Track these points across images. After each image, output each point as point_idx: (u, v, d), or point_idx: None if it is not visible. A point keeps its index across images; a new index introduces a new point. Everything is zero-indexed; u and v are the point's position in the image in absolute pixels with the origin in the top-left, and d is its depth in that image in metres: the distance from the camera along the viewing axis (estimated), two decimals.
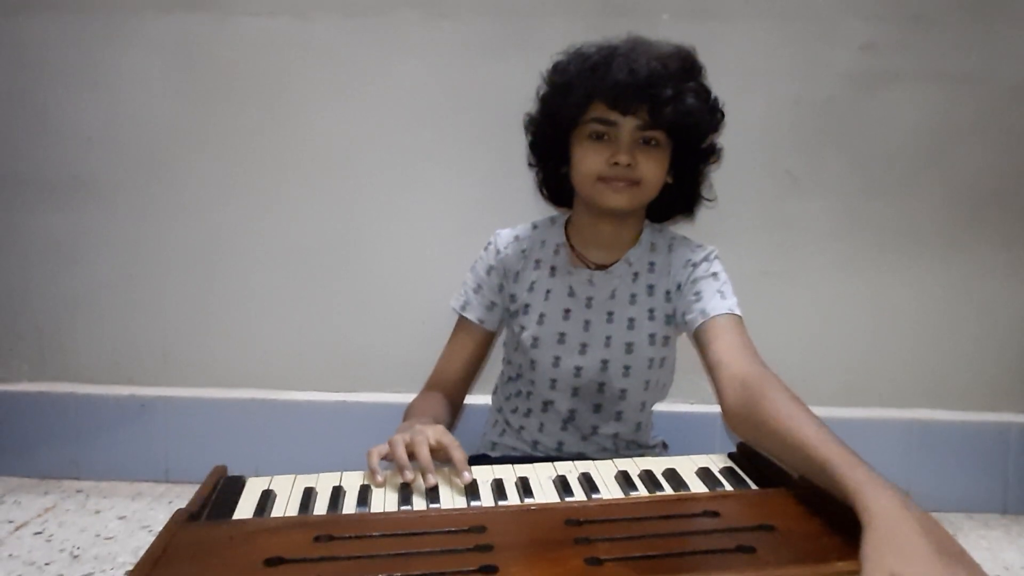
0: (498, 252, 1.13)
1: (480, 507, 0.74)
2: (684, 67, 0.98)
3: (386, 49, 1.41)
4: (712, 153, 1.08)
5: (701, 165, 1.08)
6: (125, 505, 1.41)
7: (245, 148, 1.45)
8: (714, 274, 1.06)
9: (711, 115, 1.02)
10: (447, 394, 1.13)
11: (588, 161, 1.00)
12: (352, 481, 0.81)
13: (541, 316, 1.10)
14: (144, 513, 1.38)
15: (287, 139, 1.45)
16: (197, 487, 0.79)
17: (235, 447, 1.49)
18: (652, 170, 1.00)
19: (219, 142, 1.46)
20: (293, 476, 0.82)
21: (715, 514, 0.70)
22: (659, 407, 1.19)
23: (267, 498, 0.76)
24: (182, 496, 1.43)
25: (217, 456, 1.47)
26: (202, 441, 1.50)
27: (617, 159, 0.98)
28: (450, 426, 1.10)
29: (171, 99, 1.45)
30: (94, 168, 1.47)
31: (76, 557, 1.21)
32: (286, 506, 0.75)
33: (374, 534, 0.66)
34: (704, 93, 1.01)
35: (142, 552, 1.29)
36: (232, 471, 0.89)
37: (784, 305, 1.44)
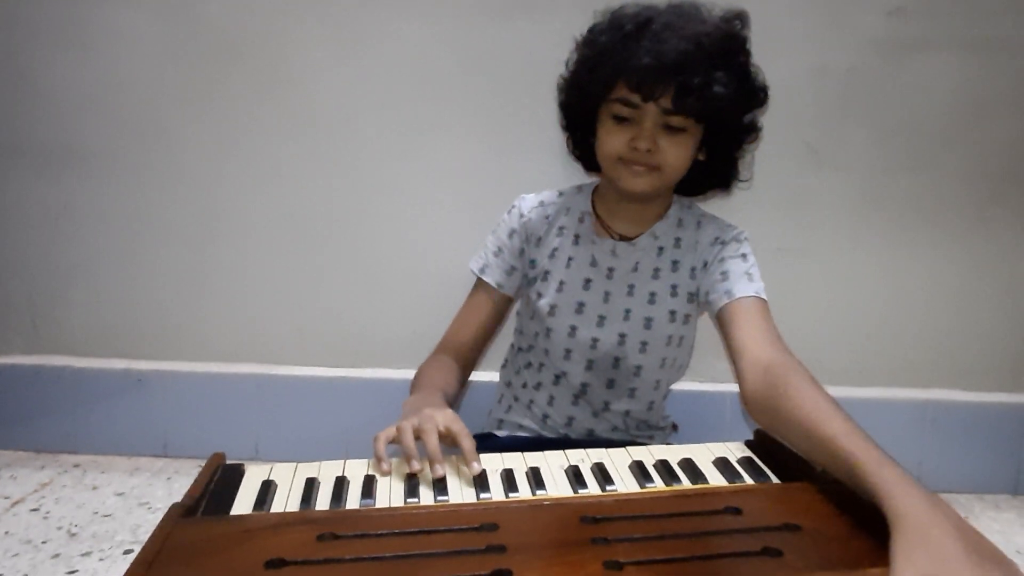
0: (521, 216, 1.10)
1: (490, 501, 0.71)
2: (721, 47, 0.90)
3: (391, 10, 1.34)
4: (748, 133, 1.02)
5: (734, 145, 1.02)
6: (123, 481, 1.38)
7: (244, 115, 1.39)
8: (743, 255, 1.02)
9: (746, 99, 0.96)
10: (458, 358, 1.10)
11: (610, 142, 0.96)
12: (356, 471, 0.77)
13: (561, 284, 1.07)
14: (143, 489, 1.35)
15: (287, 105, 1.39)
16: (196, 462, 0.76)
17: (234, 423, 1.46)
18: (675, 156, 0.95)
19: (217, 108, 1.39)
20: (294, 465, 0.78)
21: (737, 511, 0.67)
22: (670, 386, 1.16)
23: (267, 489, 0.72)
24: (181, 472, 1.40)
25: (216, 431, 1.47)
26: (201, 416, 1.47)
27: (637, 144, 0.93)
28: (459, 394, 1.07)
29: (167, 62, 1.38)
30: (87, 135, 1.42)
31: (74, 535, 1.19)
32: (287, 499, 0.71)
33: (380, 532, 0.63)
34: (740, 77, 0.94)
35: (140, 530, 1.28)
36: (231, 447, 0.86)
37: (799, 282, 1.39)
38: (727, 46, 0.91)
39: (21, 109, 1.41)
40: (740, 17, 0.94)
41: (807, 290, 1.40)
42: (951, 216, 1.37)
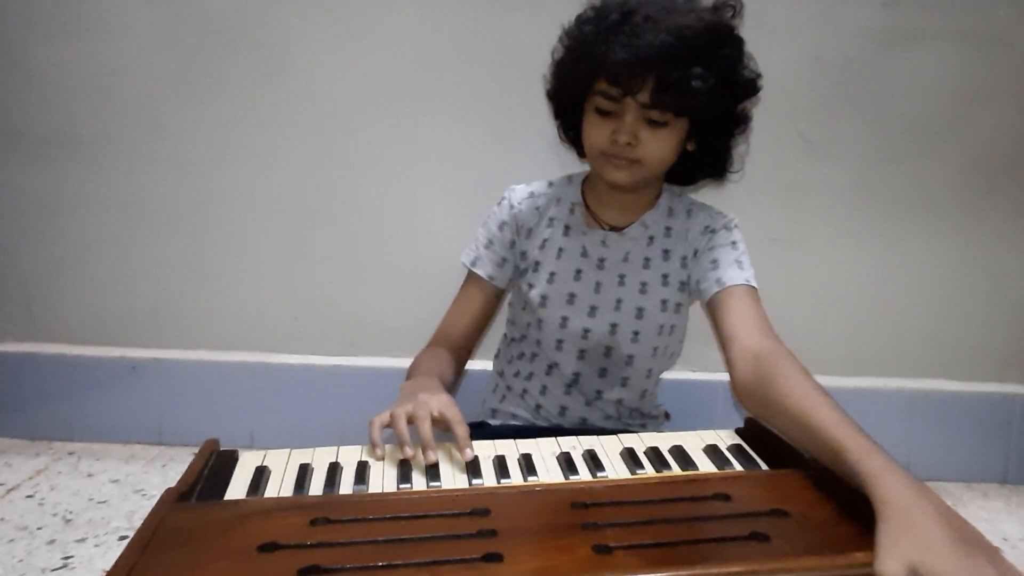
0: (512, 207, 1.10)
1: (482, 486, 0.72)
2: (703, 40, 0.88)
3: None
4: (737, 125, 1.01)
5: (723, 136, 1.02)
6: (118, 468, 1.39)
7: (238, 102, 1.39)
8: (733, 243, 1.03)
9: (729, 93, 0.94)
10: (452, 350, 1.10)
11: (592, 135, 0.96)
12: (349, 457, 0.78)
13: (552, 275, 1.07)
14: (138, 476, 1.36)
15: (282, 93, 1.38)
16: (191, 450, 0.77)
17: (229, 411, 1.47)
18: (655, 149, 0.94)
19: (211, 95, 1.39)
20: (288, 451, 0.78)
21: (726, 497, 0.67)
22: (662, 374, 1.17)
23: (261, 475, 0.73)
24: (176, 459, 1.41)
25: (211, 419, 1.48)
26: (196, 404, 1.47)
27: (617, 137, 0.93)
28: (454, 384, 1.08)
29: (161, 50, 1.38)
30: (81, 123, 1.41)
31: (69, 521, 1.20)
32: (280, 484, 0.72)
33: (373, 517, 0.63)
34: (723, 70, 0.91)
35: (135, 517, 1.29)
36: (226, 435, 0.86)
37: (792, 273, 1.40)
38: (710, 39, 0.89)
39: (15, 97, 1.41)
40: (731, 6, 0.93)
41: (800, 280, 1.41)
42: (944, 207, 1.38)
